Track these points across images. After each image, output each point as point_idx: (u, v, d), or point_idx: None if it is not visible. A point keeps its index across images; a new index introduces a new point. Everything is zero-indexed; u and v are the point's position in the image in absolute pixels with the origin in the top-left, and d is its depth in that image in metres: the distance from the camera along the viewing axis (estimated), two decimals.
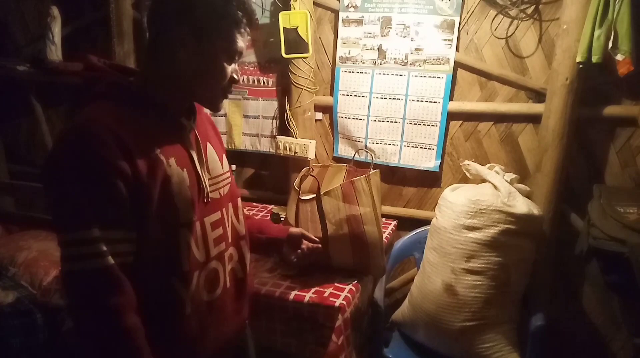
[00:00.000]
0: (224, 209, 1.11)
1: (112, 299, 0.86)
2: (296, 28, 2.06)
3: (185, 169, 0.98)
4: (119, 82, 0.97)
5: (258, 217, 2.22)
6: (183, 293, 0.98)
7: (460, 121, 2.10)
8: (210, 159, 1.09)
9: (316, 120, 2.31)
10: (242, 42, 1.00)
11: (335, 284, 1.60)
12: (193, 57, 0.96)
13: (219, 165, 1.12)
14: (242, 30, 0.99)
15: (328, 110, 2.29)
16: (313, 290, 1.56)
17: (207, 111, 1.21)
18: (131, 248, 0.91)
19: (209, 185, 1.06)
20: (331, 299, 1.50)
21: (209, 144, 1.10)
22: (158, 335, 0.95)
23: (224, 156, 1.17)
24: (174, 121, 1.01)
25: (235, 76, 1.03)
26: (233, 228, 1.15)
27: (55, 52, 2.32)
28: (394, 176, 2.26)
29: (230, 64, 1.01)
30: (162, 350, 0.96)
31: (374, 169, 1.67)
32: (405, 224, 2.22)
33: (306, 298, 1.51)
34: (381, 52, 2.11)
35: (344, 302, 1.50)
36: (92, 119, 0.89)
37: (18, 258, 2.16)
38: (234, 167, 2.23)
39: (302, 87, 2.17)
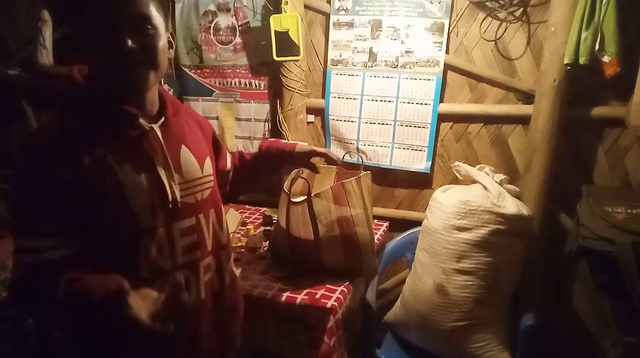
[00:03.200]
0: (201, 215, 1.07)
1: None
2: (287, 31, 2.06)
3: (143, 174, 0.96)
4: (79, 93, 0.98)
5: (250, 220, 2.22)
6: None
7: (451, 123, 2.11)
8: (184, 163, 1.05)
9: (308, 122, 2.32)
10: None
11: (327, 285, 1.60)
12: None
13: (196, 168, 1.08)
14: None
15: (320, 112, 2.30)
16: (305, 291, 1.56)
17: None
18: (66, 252, 0.88)
19: (181, 189, 1.02)
20: (323, 300, 1.51)
21: (183, 147, 1.06)
22: (118, 341, 0.93)
23: (207, 160, 1.13)
24: (132, 125, 0.96)
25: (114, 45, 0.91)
26: (215, 236, 1.11)
27: (46, 56, 2.31)
28: (385, 177, 2.27)
29: (107, 41, 0.93)
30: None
31: (365, 171, 1.68)
32: (397, 225, 2.23)
33: (298, 300, 1.51)
34: (372, 55, 2.12)
35: (336, 303, 1.50)
36: (38, 132, 0.94)
37: (10, 263, 2.15)
38: None
39: (293, 90, 2.18)
